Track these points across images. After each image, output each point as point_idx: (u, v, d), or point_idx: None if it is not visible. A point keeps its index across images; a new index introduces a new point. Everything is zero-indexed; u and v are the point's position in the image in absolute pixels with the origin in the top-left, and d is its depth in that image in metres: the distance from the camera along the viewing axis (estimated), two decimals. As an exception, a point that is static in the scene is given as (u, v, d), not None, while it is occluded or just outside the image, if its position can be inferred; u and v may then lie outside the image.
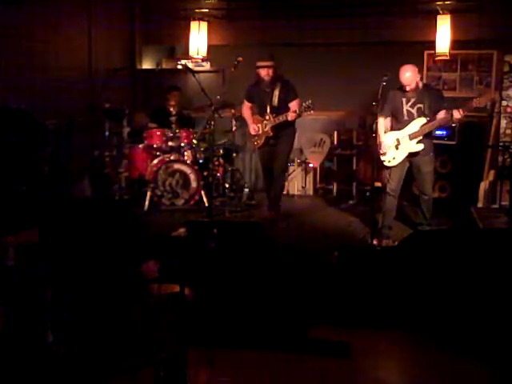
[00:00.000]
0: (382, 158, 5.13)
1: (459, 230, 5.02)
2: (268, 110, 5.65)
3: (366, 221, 5.39)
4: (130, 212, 5.11)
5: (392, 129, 5.17)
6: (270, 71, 5.56)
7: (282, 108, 5.58)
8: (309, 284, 4.10)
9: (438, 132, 6.23)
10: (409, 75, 4.93)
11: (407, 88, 4.97)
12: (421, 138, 4.96)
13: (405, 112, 5.05)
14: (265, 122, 5.68)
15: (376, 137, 5.09)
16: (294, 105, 5.54)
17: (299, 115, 5.46)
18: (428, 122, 4.94)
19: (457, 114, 4.79)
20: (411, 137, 4.98)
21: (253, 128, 5.79)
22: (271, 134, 5.65)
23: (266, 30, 7.37)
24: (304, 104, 5.37)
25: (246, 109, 5.94)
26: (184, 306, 2.63)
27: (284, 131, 5.67)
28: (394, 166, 5.11)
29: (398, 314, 3.85)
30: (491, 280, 3.76)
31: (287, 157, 5.90)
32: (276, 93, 5.63)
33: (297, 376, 3.29)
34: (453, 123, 5.02)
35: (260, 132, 5.75)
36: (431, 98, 5.00)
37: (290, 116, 5.44)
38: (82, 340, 2.36)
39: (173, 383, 2.64)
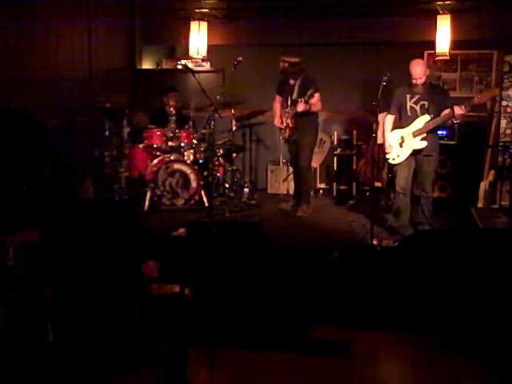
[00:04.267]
0: (387, 155, 5.15)
1: (459, 230, 5.02)
2: (289, 103, 5.95)
3: (366, 221, 5.38)
4: (130, 212, 5.11)
5: (396, 126, 5.18)
6: (286, 64, 5.92)
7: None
8: (309, 284, 4.10)
9: (438, 132, 6.22)
10: (420, 69, 4.95)
11: (418, 81, 4.97)
12: (425, 135, 4.97)
13: (408, 108, 5.07)
14: (286, 114, 5.98)
15: (376, 136, 5.09)
16: (313, 100, 5.72)
17: (306, 103, 5.68)
18: (432, 119, 4.96)
19: (459, 110, 4.80)
20: (415, 134, 5.00)
21: (276, 120, 6.16)
22: (291, 125, 5.93)
23: (266, 30, 7.38)
24: (308, 92, 5.65)
25: (276, 102, 6.23)
26: (184, 305, 2.63)
27: (305, 124, 5.91)
28: (399, 164, 5.12)
29: (398, 314, 3.85)
30: (491, 280, 3.75)
31: (310, 149, 6.08)
32: (296, 87, 5.92)
33: (297, 376, 3.28)
34: (455, 119, 4.94)
35: (284, 124, 6.04)
36: (437, 96, 5.02)
37: (298, 106, 5.72)
38: (83, 340, 2.36)
39: (173, 383, 2.64)
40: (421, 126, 4.98)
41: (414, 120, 5.03)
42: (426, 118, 4.98)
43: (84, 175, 5.99)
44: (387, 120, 5.22)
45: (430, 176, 5.16)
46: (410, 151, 5.05)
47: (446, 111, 4.90)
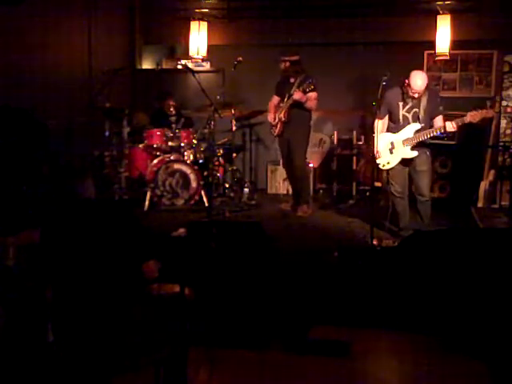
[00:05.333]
0: (378, 161, 5.11)
1: (459, 230, 5.01)
2: (285, 99, 5.96)
3: (366, 221, 5.38)
4: (130, 212, 5.11)
5: (388, 130, 5.14)
6: (288, 64, 5.96)
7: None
8: (309, 284, 4.10)
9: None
10: (421, 82, 4.80)
11: (417, 95, 4.85)
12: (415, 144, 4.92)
13: (400, 117, 4.99)
14: (280, 108, 6.02)
15: (376, 137, 5.07)
16: (310, 96, 5.73)
17: (304, 93, 5.69)
18: (422, 128, 4.89)
19: (450, 128, 4.71)
20: (405, 143, 4.94)
21: (270, 116, 6.18)
22: (284, 119, 5.95)
23: (266, 30, 7.38)
24: (307, 81, 5.69)
25: (272, 101, 6.25)
26: (184, 305, 2.63)
27: (298, 120, 5.93)
28: (392, 169, 5.08)
29: (398, 314, 3.85)
30: (491, 280, 3.75)
31: (303, 148, 6.09)
32: (296, 84, 5.92)
33: (297, 376, 3.28)
34: (445, 133, 4.85)
35: (277, 120, 6.06)
36: (429, 103, 4.91)
37: (295, 94, 5.74)
38: (83, 340, 2.36)
39: (173, 383, 2.64)
40: (411, 135, 4.90)
41: (405, 127, 4.96)
42: (417, 126, 4.89)
43: (84, 175, 5.99)
44: (378, 125, 5.11)
45: (425, 176, 5.06)
46: (399, 159, 5.00)
47: (438, 125, 4.81)
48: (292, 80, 5.98)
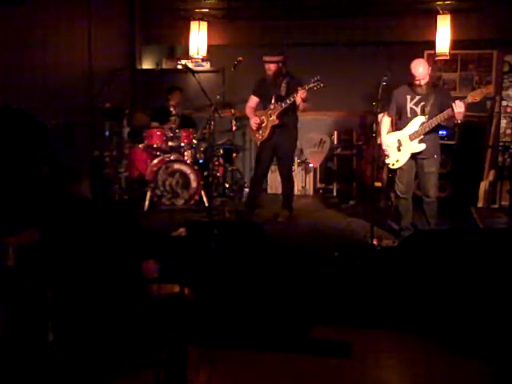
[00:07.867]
0: (386, 161, 5.09)
1: (459, 230, 5.01)
2: (273, 100, 5.60)
3: (366, 221, 5.38)
4: (130, 212, 5.11)
5: (394, 129, 5.13)
6: (274, 66, 5.60)
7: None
8: (309, 284, 4.10)
9: (438, 132, 6.22)
10: (422, 69, 4.82)
11: (421, 82, 4.84)
12: (422, 137, 4.91)
13: (408, 109, 4.97)
14: (270, 111, 5.62)
15: (376, 136, 5.06)
16: (301, 93, 5.34)
17: (305, 91, 5.28)
18: (427, 120, 4.89)
19: (460, 107, 4.63)
20: (412, 137, 4.93)
21: (254, 121, 5.71)
22: (277, 121, 5.55)
23: (266, 30, 7.39)
24: (312, 80, 5.26)
25: (250, 103, 5.87)
26: (184, 305, 2.63)
27: (289, 124, 5.62)
28: (400, 169, 5.07)
29: (398, 314, 3.85)
30: (491, 280, 3.75)
31: (292, 155, 5.96)
32: (284, 84, 5.61)
33: (297, 376, 3.28)
34: (454, 116, 4.72)
35: (264, 123, 5.66)
36: (437, 97, 4.89)
37: (300, 93, 5.30)
38: (83, 340, 2.36)
39: (173, 383, 2.64)
40: (417, 128, 4.88)
41: (410, 122, 4.94)
42: (421, 119, 4.88)
43: (81, 176, 5.99)
44: (384, 122, 5.14)
45: (432, 177, 5.03)
46: (408, 155, 4.97)
47: (444, 112, 4.77)
48: (279, 80, 5.64)
